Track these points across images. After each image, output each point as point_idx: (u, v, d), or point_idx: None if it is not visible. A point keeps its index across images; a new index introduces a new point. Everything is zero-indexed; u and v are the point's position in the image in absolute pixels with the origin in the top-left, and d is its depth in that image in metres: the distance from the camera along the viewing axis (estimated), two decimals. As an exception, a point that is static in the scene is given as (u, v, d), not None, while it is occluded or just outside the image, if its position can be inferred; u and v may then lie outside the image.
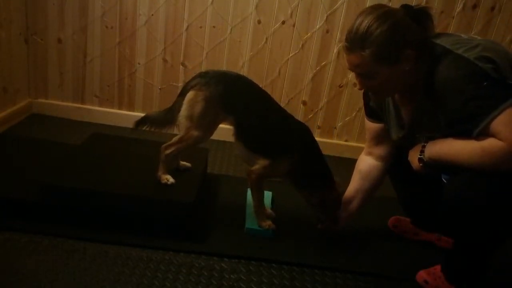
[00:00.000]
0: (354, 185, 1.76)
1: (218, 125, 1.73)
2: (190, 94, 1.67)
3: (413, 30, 1.31)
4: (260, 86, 1.77)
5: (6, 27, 2.32)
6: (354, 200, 1.75)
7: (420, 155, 1.42)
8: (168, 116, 1.76)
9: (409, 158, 1.50)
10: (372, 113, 1.66)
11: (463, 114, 1.28)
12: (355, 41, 1.32)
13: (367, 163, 1.74)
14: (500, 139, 1.22)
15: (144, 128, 1.79)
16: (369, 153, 1.74)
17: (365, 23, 1.30)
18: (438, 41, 1.34)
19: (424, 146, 1.42)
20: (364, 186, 1.74)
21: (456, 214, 1.39)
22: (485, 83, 1.22)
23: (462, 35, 1.36)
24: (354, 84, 2.59)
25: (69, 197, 1.62)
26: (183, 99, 1.69)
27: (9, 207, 1.63)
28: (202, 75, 1.71)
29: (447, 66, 1.28)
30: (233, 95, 1.69)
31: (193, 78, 1.71)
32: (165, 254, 1.58)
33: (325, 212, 1.75)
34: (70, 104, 2.71)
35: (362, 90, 1.53)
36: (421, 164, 1.43)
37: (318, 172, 1.73)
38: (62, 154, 1.96)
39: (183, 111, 1.68)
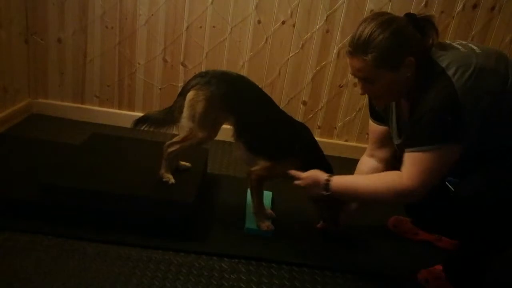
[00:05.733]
0: None
1: (220, 125, 1.73)
2: (190, 94, 1.66)
3: (415, 38, 1.32)
4: (260, 86, 1.78)
5: (6, 27, 2.32)
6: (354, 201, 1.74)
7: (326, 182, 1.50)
8: (168, 117, 1.76)
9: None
10: (377, 115, 1.65)
11: (412, 130, 1.35)
12: (358, 46, 1.32)
13: (369, 165, 1.72)
14: (402, 171, 1.33)
15: (143, 128, 1.79)
16: (371, 155, 1.73)
17: (368, 29, 1.30)
18: (439, 54, 1.34)
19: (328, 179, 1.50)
20: None
21: (467, 217, 1.38)
22: (449, 118, 1.26)
23: (462, 49, 1.35)
24: (354, 84, 2.63)
25: (69, 197, 1.62)
26: (183, 99, 1.68)
27: (9, 207, 1.63)
28: (202, 74, 1.70)
29: (435, 92, 1.28)
30: (234, 94, 1.68)
31: (193, 78, 1.71)
32: (165, 254, 1.58)
33: (328, 210, 1.73)
34: (70, 104, 2.71)
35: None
36: (325, 193, 1.50)
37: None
38: (62, 154, 1.96)
39: (185, 111, 1.67)
